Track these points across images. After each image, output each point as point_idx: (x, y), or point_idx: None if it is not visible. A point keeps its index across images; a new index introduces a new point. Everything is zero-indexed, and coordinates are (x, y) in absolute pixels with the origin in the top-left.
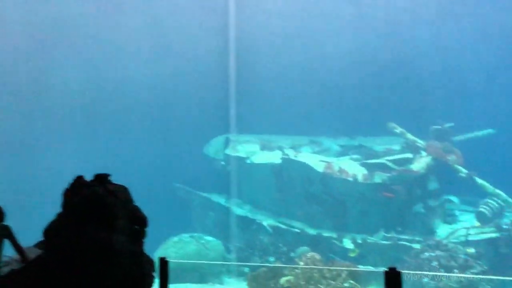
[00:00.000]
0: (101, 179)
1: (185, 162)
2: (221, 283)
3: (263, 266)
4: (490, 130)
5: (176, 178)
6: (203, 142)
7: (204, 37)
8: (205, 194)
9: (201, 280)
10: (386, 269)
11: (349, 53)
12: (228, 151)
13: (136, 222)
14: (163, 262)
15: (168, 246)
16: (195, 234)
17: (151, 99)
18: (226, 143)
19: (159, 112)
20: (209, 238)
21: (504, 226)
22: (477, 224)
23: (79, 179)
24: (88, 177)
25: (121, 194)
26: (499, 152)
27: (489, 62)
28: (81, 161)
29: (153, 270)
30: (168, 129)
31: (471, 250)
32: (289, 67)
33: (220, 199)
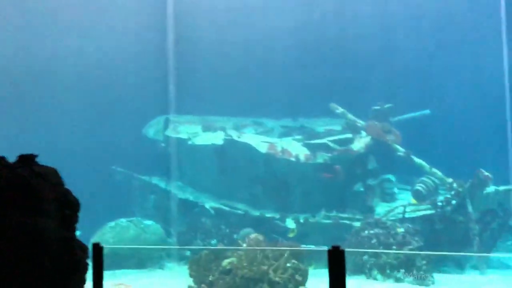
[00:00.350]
0: (27, 160)
1: (123, 143)
2: (161, 267)
3: (203, 248)
4: (426, 111)
5: (113, 160)
6: (141, 123)
7: (141, 11)
8: (144, 177)
9: (141, 265)
10: (329, 248)
11: (292, 30)
12: (169, 132)
13: (67, 206)
14: (97, 248)
15: (104, 231)
16: (134, 219)
17: (84, 75)
18: (166, 124)
19: (94, 90)
20: (149, 222)
21: (439, 203)
22: (414, 201)
23: (0, 161)
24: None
25: (50, 176)
26: (435, 132)
27: (428, 43)
28: (5, 142)
29: (87, 257)
30: (103, 108)
31: (401, 230)
32: (230, 45)
33: (160, 182)
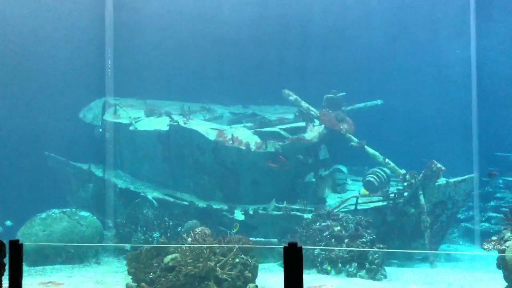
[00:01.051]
0: None
1: (57, 127)
2: (98, 262)
3: (140, 246)
4: (378, 101)
5: (46, 146)
6: (78, 105)
7: None
8: (80, 165)
9: (74, 260)
10: (285, 245)
11: (244, 8)
12: (107, 117)
13: None
14: (15, 246)
15: (34, 223)
16: (68, 209)
17: (10, 46)
18: (105, 107)
19: (22, 64)
20: (85, 213)
21: (391, 195)
22: (364, 192)
23: None
24: None
25: None
26: (386, 122)
27: (389, 26)
28: None
29: (3, 256)
30: (34, 87)
31: (338, 228)
32: (176, 22)
33: (98, 170)
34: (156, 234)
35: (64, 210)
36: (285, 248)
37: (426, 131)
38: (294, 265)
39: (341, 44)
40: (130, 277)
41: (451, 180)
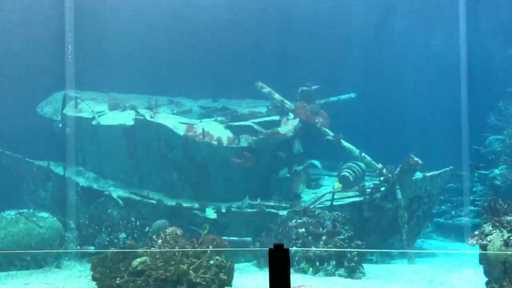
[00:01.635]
0: None
1: (12, 122)
2: (59, 267)
3: (100, 251)
4: (351, 94)
5: (0, 142)
6: (35, 98)
7: None
8: (39, 162)
9: (33, 265)
10: (271, 247)
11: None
12: (68, 111)
13: None
14: None
15: None
16: (25, 210)
17: None
18: (65, 100)
19: None
20: (44, 214)
21: (367, 190)
22: (338, 186)
23: None
24: None
25: None
26: (360, 116)
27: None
28: None
29: None
30: None
31: (302, 230)
32: (143, 7)
33: (58, 168)
34: (122, 235)
35: (20, 211)
36: (270, 250)
37: (409, 125)
38: (280, 268)
39: (320, 32)
40: (95, 282)
41: (427, 174)
